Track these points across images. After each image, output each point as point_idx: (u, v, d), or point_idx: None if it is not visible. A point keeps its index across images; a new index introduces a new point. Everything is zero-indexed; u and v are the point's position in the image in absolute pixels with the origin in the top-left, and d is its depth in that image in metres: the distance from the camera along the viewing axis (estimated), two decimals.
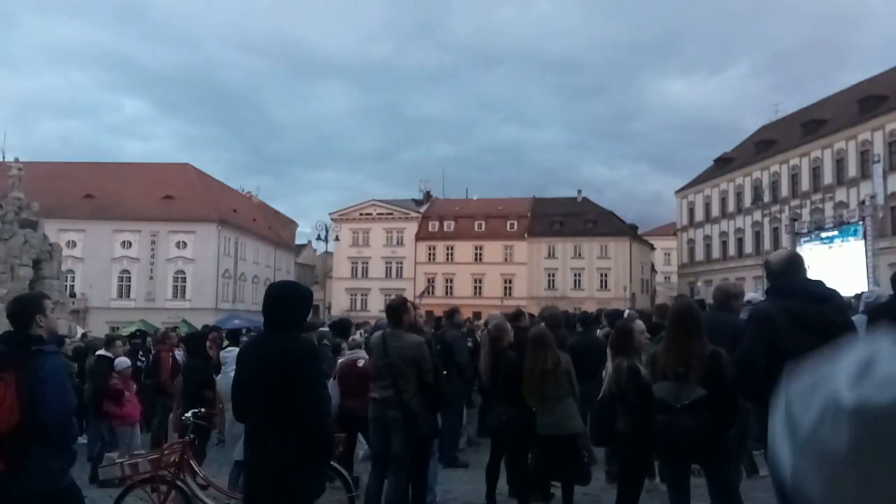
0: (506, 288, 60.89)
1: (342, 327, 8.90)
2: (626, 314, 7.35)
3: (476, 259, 62.48)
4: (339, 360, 7.17)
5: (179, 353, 11.20)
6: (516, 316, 7.91)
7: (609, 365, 4.84)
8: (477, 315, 27.50)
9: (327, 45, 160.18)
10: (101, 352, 8.91)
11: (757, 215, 49.03)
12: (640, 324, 5.25)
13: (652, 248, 68.55)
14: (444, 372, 5.83)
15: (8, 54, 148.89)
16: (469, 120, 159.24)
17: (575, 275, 60.39)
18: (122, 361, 8.57)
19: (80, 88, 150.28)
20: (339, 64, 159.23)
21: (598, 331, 8.21)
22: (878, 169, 38.27)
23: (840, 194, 41.34)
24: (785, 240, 40.44)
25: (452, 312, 9.38)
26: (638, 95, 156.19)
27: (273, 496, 3.38)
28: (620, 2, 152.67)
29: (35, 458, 3.26)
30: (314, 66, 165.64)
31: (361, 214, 64.65)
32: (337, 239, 52.68)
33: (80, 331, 19.86)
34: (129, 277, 54.77)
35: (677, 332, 4.30)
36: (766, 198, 48.07)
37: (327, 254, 63.31)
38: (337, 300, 61.04)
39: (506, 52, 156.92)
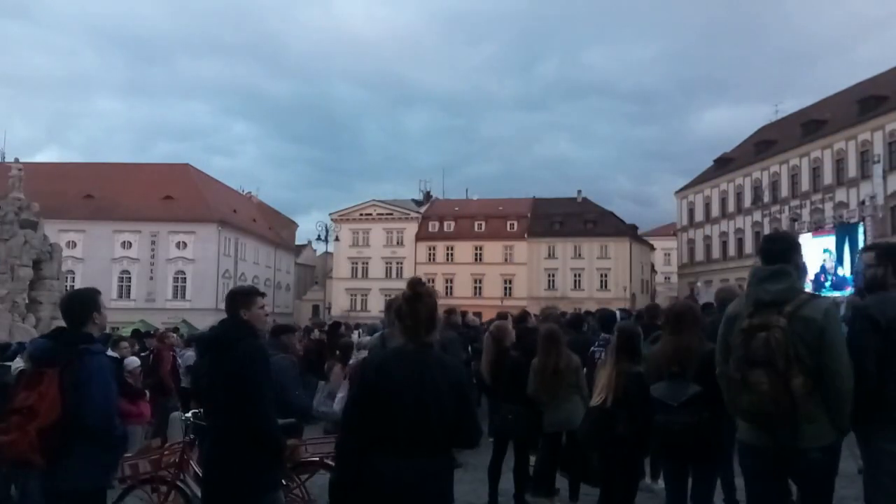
0: (506, 288, 60.89)
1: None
2: (618, 316, 7.36)
3: (476, 259, 62.48)
4: (350, 361, 7.17)
5: (190, 354, 11.22)
6: (523, 317, 7.96)
7: (610, 369, 4.80)
8: (477, 315, 27.42)
9: (430, 79, 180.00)
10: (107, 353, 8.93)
11: (757, 215, 49.02)
12: (638, 328, 5.27)
13: (652, 248, 68.56)
14: None
15: (147, 84, 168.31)
16: (531, 138, 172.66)
17: (575, 275, 60.40)
18: (132, 361, 8.62)
19: (200, 115, 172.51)
20: (434, 94, 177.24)
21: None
22: (877, 169, 38.25)
23: (840, 194, 41.33)
24: None
25: (449, 312, 9.39)
26: (689, 121, 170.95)
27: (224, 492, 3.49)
28: (691, 45, 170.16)
29: (80, 454, 3.33)
30: (411, 96, 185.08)
31: (361, 215, 64.63)
32: (337, 239, 52.74)
33: None
34: (129, 278, 54.80)
35: (674, 332, 4.31)
36: (766, 198, 48.07)
37: (327, 254, 63.36)
38: (337, 301, 61.05)
39: (587, 85, 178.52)
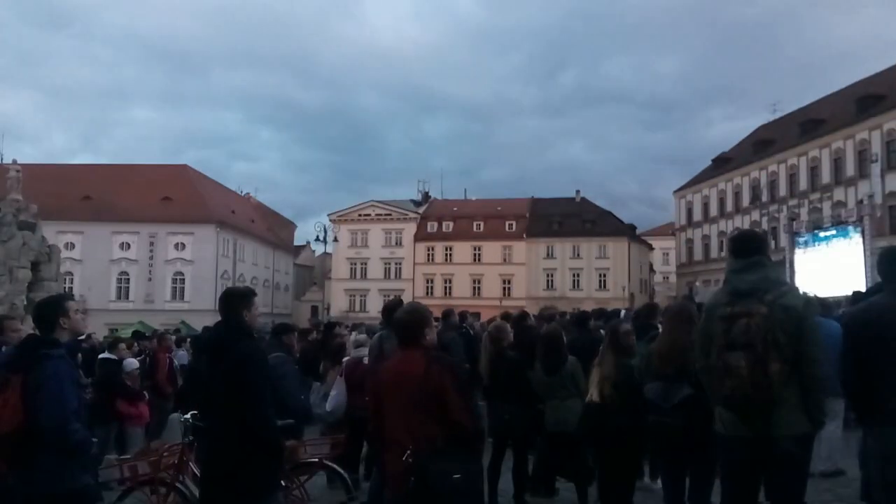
0: (504, 288, 60.89)
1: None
2: (622, 314, 7.37)
3: (475, 260, 62.47)
4: (345, 359, 7.14)
5: (182, 354, 11.19)
6: (523, 316, 7.96)
7: (602, 366, 4.83)
8: (476, 315, 27.41)
9: (454, 89, 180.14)
10: (104, 354, 8.93)
11: (755, 215, 49.04)
12: (627, 325, 5.34)
13: (650, 248, 68.59)
14: None
15: (181, 94, 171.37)
16: (545, 144, 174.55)
17: (574, 275, 60.41)
18: (131, 363, 8.65)
19: (230, 123, 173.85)
20: (457, 102, 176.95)
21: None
22: (875, 168, 38.30)
23: (838, 194, 41.37)
24: (783, 239, 40.46)
25: (448, 313, 9.37)
26: (703, 128, 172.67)
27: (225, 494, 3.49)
28: (709, 56, 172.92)
29: (44, 460, 3.31)
30: (435, 105, 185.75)
31: (360, 215, 64.62)
32: (336, 240, 52.65)
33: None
34: (128, 279, 54.76)
35: (669, 333, 4.31)
36: (765, 197, 48.10)
37: (326, 255, 63.27)
38: (336, 301, 61.01)
39: (605, 93, 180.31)
